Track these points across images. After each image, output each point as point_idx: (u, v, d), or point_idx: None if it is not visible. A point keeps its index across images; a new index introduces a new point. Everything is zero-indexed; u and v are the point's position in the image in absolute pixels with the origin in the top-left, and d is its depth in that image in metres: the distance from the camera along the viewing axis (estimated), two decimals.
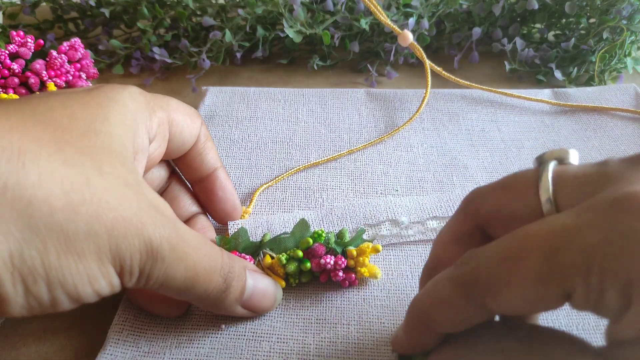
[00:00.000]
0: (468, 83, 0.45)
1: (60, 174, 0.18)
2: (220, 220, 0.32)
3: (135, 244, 0.20)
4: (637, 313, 0.15)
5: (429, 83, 0.43)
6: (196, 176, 0.30)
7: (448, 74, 0.44)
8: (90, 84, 0.45)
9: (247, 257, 0.29)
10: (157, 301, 0.26)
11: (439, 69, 0.45)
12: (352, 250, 0.28)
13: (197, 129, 0.28)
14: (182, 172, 0.30)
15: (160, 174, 0.29)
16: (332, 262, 0.28)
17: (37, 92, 0.41)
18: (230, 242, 0.30)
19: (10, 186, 0.17)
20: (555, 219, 0.17)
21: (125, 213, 0.19)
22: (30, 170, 0.17)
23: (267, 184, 0.36)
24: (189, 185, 0.31)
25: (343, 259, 0.28)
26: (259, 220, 0.33)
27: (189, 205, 0.31)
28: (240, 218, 0.33)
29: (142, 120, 0.23)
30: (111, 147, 0.21)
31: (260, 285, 0.26)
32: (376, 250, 0.28)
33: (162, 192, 0.30)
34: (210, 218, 0.32)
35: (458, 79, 0.45)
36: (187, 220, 0.30)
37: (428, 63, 0.44)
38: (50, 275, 0.18)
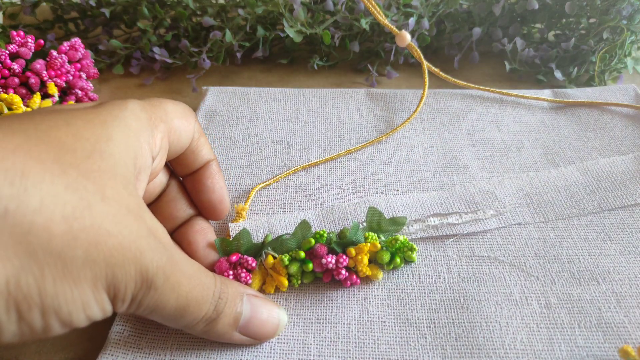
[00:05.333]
0: (465, 83, 0.45)
1: (63, 199, 0.18)
2: (209, 214, 0.31)
3: (132, 272, 0.20)
4: None
5: (426, 84, 0.43)
6: (189, 170, 0.30)
7: (445, 75, 0.44)
8: (91, 84, 0.45)
9: (250, 258, 0.29)
10: None
11: (436, 69, 0.45)
12: (351, 249, 0.28)
13: (192, 130, 0.28)
14: (175, 168, 0.30)
15: (160, 179, 0.29)
16: (333, 262, 0.28)
17: (38, 96, 0.41)
18: (232, 244, 0.30)
19: (11, 211, 0.17)
20: None
21: (124, 240, 0.19)
22: (32, 195, 0.17)
23: (265, 183, 0.36)
24: (184, 187, 0.31)
25: (344, 257, 0.28)
26: (260, 222, 0.33)
27: (187, 207, 0.30)
28: (238, 216, 0.33)
29: (145, 139, 0.23)
30: (114, 170, 0.20)
31: (259, 310, 0.25)
32: (374, 247, 0.28)
33: (161, 194, 0.30)
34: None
35: (455, 80, 0.45)
36: (185, 222, 0.30)
37: (425, 64, 0.44)
38: (45, 303, 0.18)
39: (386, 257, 0.29)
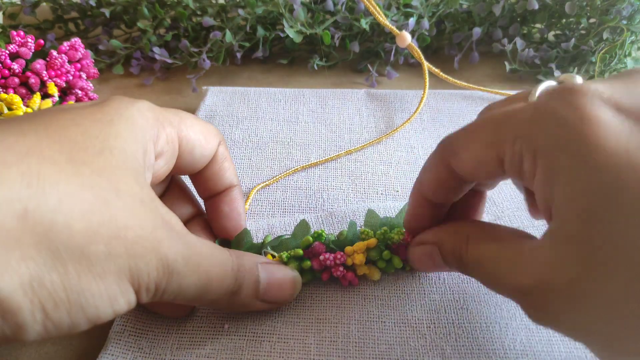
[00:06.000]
0: (465, 84, 0.45)
1: (79, 196, 0.18)
2: (222, 237, 0.31)
3: (153, 262, 0.20)
4: (540, 177, 0.19)
5: (427, 84, 0.43)
6: (210, 193, 0.30)
7: (445, 75, 0.44)
8: (91, 84, 0.45)
9: None
10: (163, 302, 0.26)
11: (436, 70, 0.45)
12: (348, 247, 0.28)
13: (211, 148, 0.28)
14: (197, 189, 0.30)
15: (159, 186, 0.29)
16: (331, 258, 0.28)
17: (38, 96, 0.41)
18: (233, 244, 0.30)
19: (31, 211, 0.17)
20: (513, 106, 0.21)
21: (142, 232, 0.20)
22: (50, 195, 0.17)
23: (265, 183, 0.36)
24: (187, 188, 0.31)
25: (342, 253, 0.28)
26: (260, 223, 0.33)
27: (188, 207, 0.30)
28: None
29: (150, 136, 0.23)
30: (126, 165, 0.21)
31: (275, 276, 0.26)
32: (371, 244, 0.28)
33: (162, 195, 0.30)
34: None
35: (456, 80, 0.45)
36: (186, 223, 0.30)
37: (426, 64, 0.44)
38: (71, 299, 0.18)
39: (375, 253, 0.29)
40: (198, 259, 0.22)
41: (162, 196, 0.30)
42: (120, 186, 0.20)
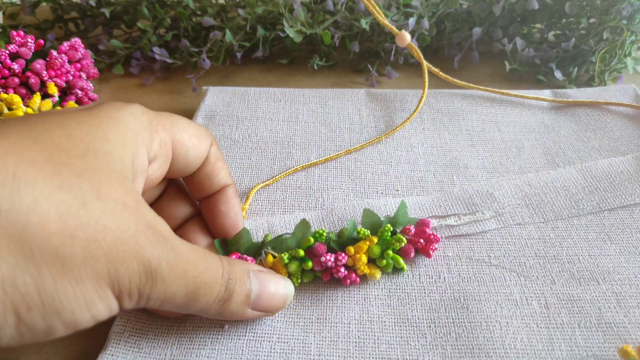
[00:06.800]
0: (466, 84, 0.45)
1: (56, 197, 0.18)
2: (219, 236, 0.31)
3: (134, 267, 0.20)
4: None
5: (426, 84, 0.43)
6: (204, 194, 0.30)
7: (445, 75, 0.44)
8: (91, 84, 0.45)
9: (249, 258, 0.29)
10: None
11: (436, 69, 0.45)
12: (350, 248, 0.28)
13: (204, 150, 0.27)
14: (191, 191, 0.30)
15: (157, 187, 0.29)
16: (332, 260, 0.28)
17: (38, 96, 0.41)
18: (232, 244, 0.30)
19: (4, 211, 0.17)
20: None
21: (122, 236, 0.19)
22: (25, 195, 0.17)
23: (265, 183, 0.36)
24: (185, 188, 0.31)
25: (343, 255, 0.28)
26: (260, 222, 0.33)
27: (186, 207, 0.30)
28: None
29: (142, 140, 0.23)
30: (110, 168, 0.20)
31: (267, 284, 0.26)
32: (372, 242, 0.28)
33: (160, 195, 0.30)
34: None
35: (455, 80, 0.45)
36: (183, 224, 0.30)
37: (425, 64, 0.44)
38: (45, 302, 0.18)
39: (377, 250, 0.29)
40: (185, 265, 0.22)
41: (160, 198, 0.30)
42: (101, 189, 0.19)
